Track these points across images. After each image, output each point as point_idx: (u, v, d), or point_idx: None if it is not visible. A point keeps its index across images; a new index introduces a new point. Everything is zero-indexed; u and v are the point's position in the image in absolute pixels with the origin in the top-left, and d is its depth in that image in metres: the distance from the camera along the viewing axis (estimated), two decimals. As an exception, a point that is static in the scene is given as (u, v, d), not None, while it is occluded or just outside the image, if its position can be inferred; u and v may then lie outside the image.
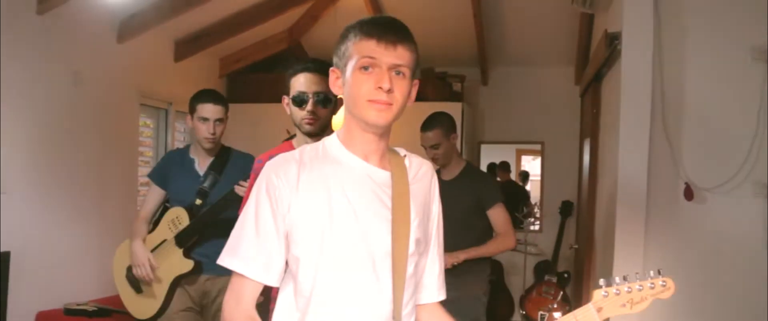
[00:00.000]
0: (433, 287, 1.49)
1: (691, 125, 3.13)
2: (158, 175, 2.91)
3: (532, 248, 5.35)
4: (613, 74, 3.51)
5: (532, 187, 5.88)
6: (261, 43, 5.05)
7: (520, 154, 6.95)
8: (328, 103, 2.11)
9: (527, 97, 5.45)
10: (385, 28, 1.34)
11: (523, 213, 5.30)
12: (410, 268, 1.39)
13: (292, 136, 2.36)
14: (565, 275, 5.07)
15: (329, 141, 1.43)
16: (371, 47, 1.33)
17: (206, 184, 2.80)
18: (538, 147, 5.62)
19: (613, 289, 1.41)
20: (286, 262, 1.37)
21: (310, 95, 2.14)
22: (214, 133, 2.79)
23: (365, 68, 1.33)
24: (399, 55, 1.33)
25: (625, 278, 1.43)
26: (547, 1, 4.46)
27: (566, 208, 5.22)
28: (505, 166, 5.91)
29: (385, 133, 1.40)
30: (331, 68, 1.42)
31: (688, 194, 3.10)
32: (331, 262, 1.33)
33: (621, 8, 3.07)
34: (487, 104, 5.65)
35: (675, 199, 3.11)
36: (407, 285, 1.38)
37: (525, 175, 6.21)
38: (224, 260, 1.36)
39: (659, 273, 1.44)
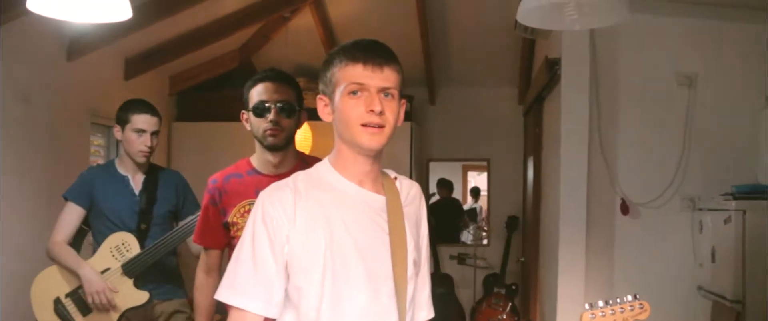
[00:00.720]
0: (423, 306, 1.49)
1: (625, 145, 3.40)
2: (80, 194, 2.66)
3: (481, 262, 5.55)
4: (553, 97, 3.75)
5: (484, 203, 6.12)
6: (211, 61, 5.09)
7: (466, 169, 7.18)
8: (293, 113, 1.98)
9: (473, 116, 5.67)
10: (371, 52, 1.35)
11: (461, 226, 5.59)
12: (410, 290, 1.39)
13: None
14: (513, 287, 5.29)
15: (322, 167, 1.43)
16: (358, 72, 1.34)
17: (144, 205, 2.63)
18: (484, 163, 5.85)
19: (599, 312, 1.53)
20: (285, 292, 1.36)
21: (272, 104, 2.00)
22: (151, 147, 2.62)
23: (354, 93, 1.34)
24: (386, 78, 1.35)
25: (607, 302, 1.55)
26: (491, 26, 4.69)
27: (512, 223, 5.46)
28: (443, 183, 6.13)
29: (377, 156, 1.40)
30: (318, 96, 1.42)
31: (624, 209, 3.35)
32: (335, 290, 1.32)
33: (560, 36, 3.31)
34: (434, 123, 5.84)
35: (612, 213, 3.36)
36: (408, 307, 1.39)
37: (476, 191, 6.45)
38: (222, 295, 1.34)
39: (636, 297, 1.57)
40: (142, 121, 2.61)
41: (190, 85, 5.24)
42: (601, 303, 1.54)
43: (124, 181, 2.68)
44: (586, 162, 3.23)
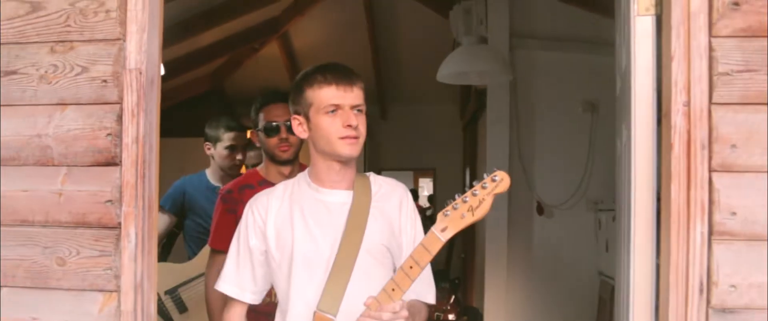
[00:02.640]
0: (412, 293, 1.56)
1: (541, 158, 4.18)
2: (171, 203, 2.83)
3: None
4: (483, 118, 4.54)
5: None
6: (184, 85, 5.66)
7: (417, 177, 7.95)
8: None
9: (420, 130, 6.43)
10: (341, 75, 1.53)
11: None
12: (362, 277, 1.52)
13: (254, 164, 2.40)
14: (456, 281, 6.06)
15: (302, 176, 1.64)
16: (333, 93, 1.51)
17: None
18: (430, 171, 6.63)
19: (452, 206, 1.44)
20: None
21: (281, 124, 2.19)
22: (241, 160, 2.80)
23: (332, 111, 1.52)
24: (356, 96, 1.53)
25: (464, 190, 1.47)
26: (435, 51, 5.45)
27: (454, 225, 6.24)
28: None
29: (352, 163, 1.59)
30: (293, 116, 1.59)
31: (540, 210, 4.14)
32: (296, 281, 1.53)
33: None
34: (385, 136, 6.58)
35: (530, 213, 4.14)
36: (354, 284, 1.51)
37: (431, 198, 7.22)
38: (217, 284, 1.63)
39: (494, 169, 1.47)
40: (233, 138, 2.78)
41: (163, 107, 5.80)
42: (457, 196, 1.46)
43: (216, 190, 2.74)
44: (507, 171, 3.99)
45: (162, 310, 2.80)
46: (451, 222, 1.42)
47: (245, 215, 1.61)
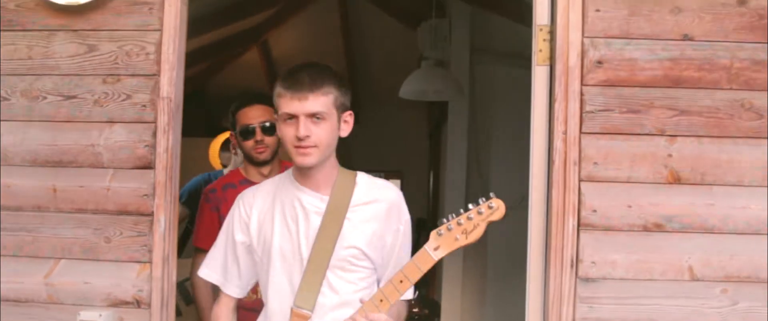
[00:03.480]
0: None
1: (497, 163, 4.76)
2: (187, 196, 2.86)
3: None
4: (445, 126, 5.12)
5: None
6: (167, 86, 6.14)
7: (387, 177, 8.48)
8: (274, 130, 2.06)
9: (390, 134, 6.98)
10: (296, 83, 1.55)
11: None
12: (334, 278, 1.61)
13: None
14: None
15: (287, 173, 1.73)
16: (287, 102, 1.56)
17: None
18: (398, 173, 7.19)
19: (447, 227, 1.51)
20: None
21: (257, 126, 2.28)
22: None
23: (288, 119, 1.57)
24: (313, 104, 1.54)
25: (459, 212, 1.54)
26: (404, 58, 6.00)
27: (421, 224, 6.80)
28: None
29: (321, 166, 1.62)
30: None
31: (494, 211, 4.73)
32: (273, 276, 1.64)
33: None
34: (358, 139, 7.12)
35: (484, 214, 4.73)
36: (330, 282, 1.60)
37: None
38: (202, 271, 1.76)
39: (491, 196, 1.54)
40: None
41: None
42: (451, 217, 1.53)
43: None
44: (465, 176, 4.57)
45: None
46: (444, 242, 1.51)
47: (233, 209, 1.72)
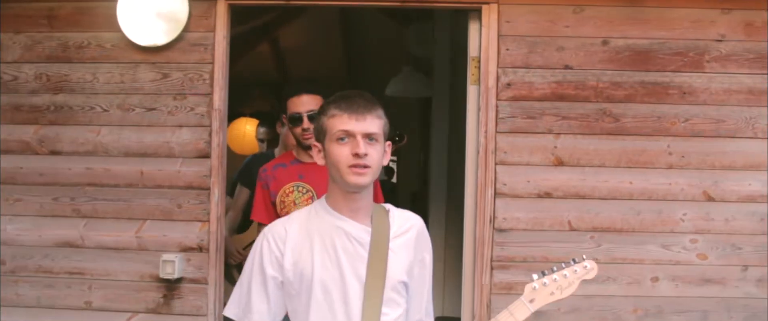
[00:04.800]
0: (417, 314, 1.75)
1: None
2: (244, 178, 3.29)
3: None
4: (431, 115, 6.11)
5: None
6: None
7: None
8: None
9: (387, 116, 7.99)
10: (354, 104, 1.61)
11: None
12: (387, 311, 1.62)
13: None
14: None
15: (319, 204, 1.71)
16: (343, 121, 1.59)
17: None
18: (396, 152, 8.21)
19: (542, 281, 1.64)
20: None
21: (304, 114, 2.49)
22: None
23: (342, 139, 1.60)
24: (370, 124, 1.60)
25: (552, 269, 1.68)
26: (397, 47, 6.95)
27: (414, 197, 7.83)
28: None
29: (366, 192, 1.65)
30: (313, 143, 1.71)
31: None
32: (316, 313, 1.61)
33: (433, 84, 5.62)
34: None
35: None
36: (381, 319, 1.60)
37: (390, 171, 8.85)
38: (229, 310, 1.72)
39: (583, 258, 1.69)
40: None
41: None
42: (545, 271, 1.67)
43: None
44: (446, 156, 5.56)
45: (230, 274, 3.37)
46: (539, 296, 1.65)
47: (260, 243, 1.71)
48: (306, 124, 2.51)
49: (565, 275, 1.68)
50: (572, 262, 1.71)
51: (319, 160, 1.69)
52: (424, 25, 5.52)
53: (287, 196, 2.58)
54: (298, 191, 2.58)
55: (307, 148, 2.53)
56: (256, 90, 7.11)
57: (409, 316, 1.75)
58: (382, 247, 1.64)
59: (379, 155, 1.64)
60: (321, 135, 1.67)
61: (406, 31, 5.89)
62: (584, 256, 1.74)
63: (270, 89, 7.00)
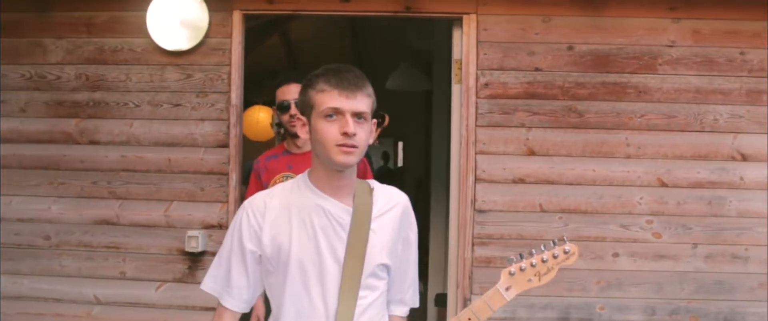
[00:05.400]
0: (400, 301, 1.78)
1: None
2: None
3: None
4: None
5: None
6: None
7: (395, 141, 10.01)
8: None
9: (394, 107, 8.43)
10: (344, 80, 1.57)
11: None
12: (364, 293, 1.61)
13: (283, 138, 2.80)
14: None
15: (301, 179, 1.69)
16: (333, 97, 1.55)
17: None
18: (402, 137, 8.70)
19: (519, 266, 1.57)
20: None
21: (291, 102, 2.58)
22: None
23: (330, 116, 1.56)
24: (359, 103, 1.56)
25: (530, 253, 1.60)
26: (401, 38, 7.40)
27: (419, 184, 8.32)
28: (384, 155, 8.98)
29: (350, 171, 1.63)
30: (297, 116, 1.68)
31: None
32: (291, 289, 1.61)
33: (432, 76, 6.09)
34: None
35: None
36: (360, 304, 1.61)
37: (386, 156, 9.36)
38: (206, 283, 1.71)
39: (564, 240, 1.61)
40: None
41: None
42: (523, 255, 1.59)
43: None
44: (447, 142, 6.02)
45: None
46: (516, 283, 1.57)
47: (239, 217, 1.68)
48: (293, 110, 2.63)
49: (544, 260, 1.63)
50: (552, 245, 1.66)
51: (302, 133, 1.67)
52: (425, 21, 5.97)
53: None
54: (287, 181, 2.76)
55: (295, 137, 2.68)
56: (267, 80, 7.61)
57: (391, 294, 1.76)
58: (363, 228, 1.63)
59: (366, 135, 1.62)
60: (307, 108, 1.64)
61: (409, 25, 6.35)
62: (565, 239, 1.67)
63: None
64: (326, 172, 1.64)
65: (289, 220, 1.64)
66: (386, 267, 1.69)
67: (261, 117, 6.83)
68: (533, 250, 1.66)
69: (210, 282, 1.72)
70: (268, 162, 2.85)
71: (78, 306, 3.46)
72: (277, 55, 7.36)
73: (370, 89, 1.63)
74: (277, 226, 1.64)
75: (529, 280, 1.63)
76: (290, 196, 1.68)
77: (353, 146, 1.58)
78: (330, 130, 1.57)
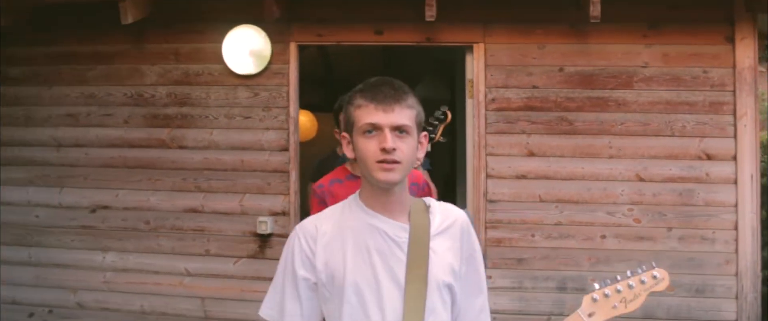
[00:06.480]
0: None
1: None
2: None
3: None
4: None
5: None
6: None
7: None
8: None
9: (423, 103, 9.31)
10: (381, 93, 1.55)
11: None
12: (431, 315, 1.56)
13: (343, 160, 2.83)
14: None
15: (353, 199, 1.67)
16: (370, 112, 1.54)
17: None
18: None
19: (603, 292, 1.52)
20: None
21: None
22: None
23: (369, 132, 1.55)
24: (399, 116, 1.53)
25: (616, 279, 1.55)
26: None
27: (447, 180, 9.18)
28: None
29: (399, 188, 1.60)
30: (341, 134, 1.66)
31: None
32: (351, 315, 1.56)
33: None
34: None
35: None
36: None
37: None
38: (263, 310, 1.69)
39: (653, 266, 1.55)
40: None
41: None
42: (608, 281, 1.54)
43: None
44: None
45: None
46: (600, 309, 1.53)
47: (291, 242, 1.67)
48: None
49: (631, 286, 1.58)
50: (639, 271, 1.61)
51: (348, 152, 1.65)
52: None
53: None
54: None
55: None
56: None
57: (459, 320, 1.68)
58: (423, 246, 1.58)
59: (410, 149, 1.58)
60: (348, 125, 1.63)
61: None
62: (653, 264, 1.62)
63: (318, 84, 8.42)
64: (374, 191, 1.62)
65: (342, 244, 1.62)
66: (450, 288, 1.63)
67: (302, 120, 7.81)
68: (619, 276, 1.62)
69: (267, 308, 1.70)
70: (332, 186, 2.86)
71: (172, 277, 4.50)
72: (314, 63, 8.30)
73: (411, 100, 1.60)
74: (331, 250, 1.62)
75: (614, 307, 1.57)
76: (342, 218, 1.66)
77: (395, 162, 1.55)
78: (369, 147, 1.56)
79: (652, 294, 1.62)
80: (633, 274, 1.60)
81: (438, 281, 1.59)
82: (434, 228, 1.63)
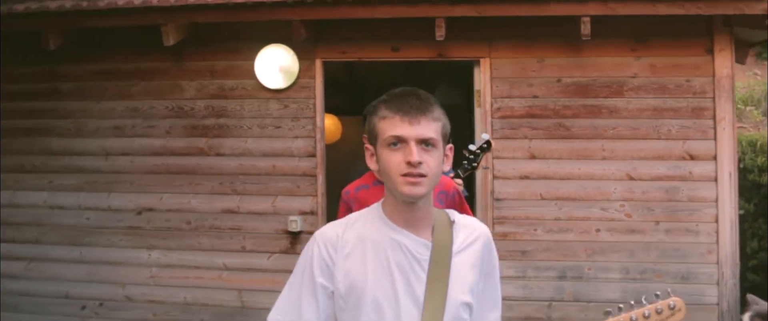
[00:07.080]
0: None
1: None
2: None
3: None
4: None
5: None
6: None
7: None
8: None
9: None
10: (407, 104, 1.53)
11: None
12: None
13: None
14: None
15: (374, 209, 1.65)
16: (395, 124, 1.52)
17: None
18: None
19: (619, 319, 1.50)
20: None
21: None
22: None
23: (394, 144, 1.52)
24: (425, 129, 1.52)
25: (631, 306, 1.51)
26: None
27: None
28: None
29: (423, 202, 1.58)
30: (365, 145, 1.63)
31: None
32: (363, 319, 1.55)
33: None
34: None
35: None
36: None
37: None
38: (272, 316, 1.65)
39: (669, 294, 1.51)
40: None
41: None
42: (622, 306, 1.50)
43: None
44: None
45: None
46: None
47: (310, 248, 1.65)
48: None
49: (646, 315, 1.55)
50: (655, 298, 1.59)
51: (371, 164, 1.65)
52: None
53: None
54: None
55: None
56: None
57: None
58: (444, 265, 1.57)
59: (436, 162, 1.56)
60: (372, 137, 1.61)
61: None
62: (669, 292, 1.59)
63: (341, 88, 8.96)
64: (398, 205, 1.60)
65: (363, 256, 1.61)
66: (469, 307, 1.63)
67: (327, 124, 8.36)
68: (633, 303, 1.59)
69: (277, 315, 1.66)
70: (358, 193, 2.89)
71: (211, 271, 5.08)
72: (336, 69, 8.85)
73: (437, 112, 1.58)
74: (352, 260, 1.61)
75: None
76: (363, 228, 1.64)
77: (421, 175, 1.53)
78: (394, 160, 1.54)
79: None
80: (648, 302, 1.57)
81: (457, 301, 1.59)
82: (457, 245, 1.62)
